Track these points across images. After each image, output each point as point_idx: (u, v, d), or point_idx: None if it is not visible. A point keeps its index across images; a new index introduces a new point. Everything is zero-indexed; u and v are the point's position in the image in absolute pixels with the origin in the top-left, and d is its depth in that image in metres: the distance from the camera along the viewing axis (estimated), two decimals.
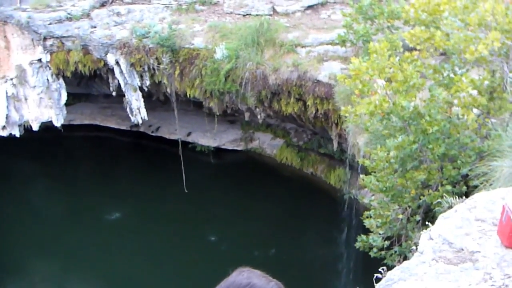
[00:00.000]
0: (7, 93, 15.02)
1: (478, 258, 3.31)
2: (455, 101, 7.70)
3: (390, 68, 7.58)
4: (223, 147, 19.13)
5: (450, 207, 4.43)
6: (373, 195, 11.49)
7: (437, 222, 3.90)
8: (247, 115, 16.48)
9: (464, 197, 7.35)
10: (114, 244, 15.65)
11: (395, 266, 8.28)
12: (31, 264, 15.03)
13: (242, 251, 15.23)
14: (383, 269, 3.43)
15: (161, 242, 15.60)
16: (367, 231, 8.42)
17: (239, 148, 19.16)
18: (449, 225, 3.75)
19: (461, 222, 3.74)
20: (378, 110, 7.40)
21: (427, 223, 8.13)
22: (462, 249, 3.42)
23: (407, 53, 7.92)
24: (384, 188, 7.68)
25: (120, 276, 14.54)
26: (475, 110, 7.63)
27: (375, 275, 3.39)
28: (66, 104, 15.99)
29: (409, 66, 7.49)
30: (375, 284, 3.23)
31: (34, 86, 14.98)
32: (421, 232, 3.98)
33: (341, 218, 14.54)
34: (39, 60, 14.76)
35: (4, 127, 15.49)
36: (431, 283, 2.88)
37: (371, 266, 8.82)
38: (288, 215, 16.34)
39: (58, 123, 15.68)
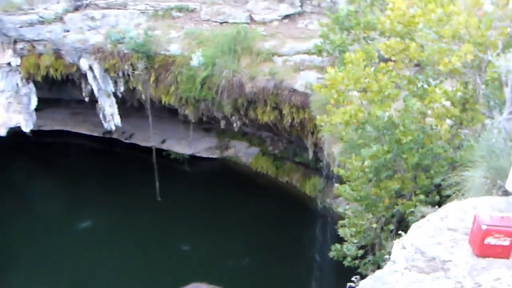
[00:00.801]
0: None
1: (450, 267, 3.30)
2: (429, 112, 7.78)
3: (366, 78, 7.63)
4: (198, 155, 18.96)
5: (423, 216, 4.43)
6: (347, 204, 11.54)
7: (409, 231, 3.89)
8: (222, 123, 16.40)
9: (437, 207, 7.41)
10: (84, 253, 15.24)
11: (368, 275, 8.30)
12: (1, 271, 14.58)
13: (215, 260, 15.04)
14: (356, 278, 3.38)
15: (133, 251, 15.28)
16: (341, 241, 8.40)
17: (214, 156, 19.02)
18: (422, 234, 3.73)
19: (433, 231, 3.74)
20: (353, 119, 7.42)
21: (400, 232, 8.17)
22: (434, 258, 3.40)
23: (382, 64, 7.98)
24: (359, 197, 7.69)
25: (90, 285, 14.17)
26: (448, 121, 7.71)
27: (348, 284, 3.34)
28: (36, 109, 15.63)
29: (384, 77, 7.54)
30: None
31: (3, 91, 14.58)
32: (394, 241, 3.95)
33: (316, 228, 14.52)
34: (9, 64, 14.40)
35: None
36: None
37: (344, 275, 8.82)
38: (263, 224, 16.23)
39: (27, 128, 15.30)
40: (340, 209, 14.88)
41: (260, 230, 16.05)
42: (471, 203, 4.12)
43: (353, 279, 3.37)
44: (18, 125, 15.29)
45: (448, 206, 4.13)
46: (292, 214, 16.44)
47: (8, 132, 15.35)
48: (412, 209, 6.53)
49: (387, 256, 7.87)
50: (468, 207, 4.03)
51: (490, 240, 3.31)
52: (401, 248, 3.65)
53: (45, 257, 15.02)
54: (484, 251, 3.34)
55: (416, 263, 3.34)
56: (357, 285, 3.17)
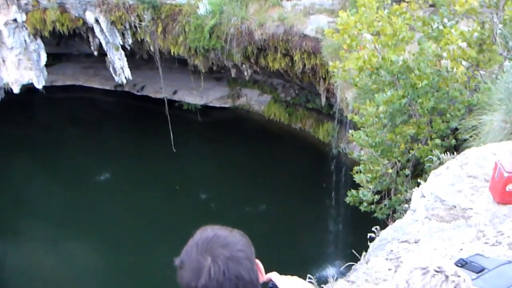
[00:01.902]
0: None
1: (471, 215, 3.33)
2: (444, 54, 7.61)
3: (379, 21, 7.43)
4: (210, 104, 18.93)
5: (441, 163, 4.42)
6: (361, 149, 11.57)
7: (428, 179, 3.90)
8: (233, 72, 16.25)
9: (454, 151, 7.40)
10: (104, 204, 15.65)
11: (385, 219, 8.43)
12: (20, 225, 15.02)
13: (232, 208, 15.35)
14: (376, 228, 3.43)
15: (151, 202, 15.63)
16: (356, 185, 8.48)
17: (226, 105, 18.99)
18: (441, 182, 3.75)
19: (453, 179, 3.74)
20: (367, 65, 7.30)
21: (416, 177, 8.22)
22: (455, 206, 3.43)
23: (395, 6, 7.74)
24: (374, 143, 7.68)
25: (110, 236, 14.60)
26: (464, 63, 7.55)
27: (369, 234, 3.40)
28: (47, 65, 15.58)
29: (398, 19, 7.33)
30: (369, 243, 3.24)
31: (12, 48, 14.51)
32: (413, 189, 3.98)
33: (331, 173, 14.63)
34: (15, 20, 14.23)
35: None
36: (425, 243, 2.88)
37: (360, 219, 8.98)
38: (278, 171, 16.41)
39: (39, 85, 15.32)
40: (354, 154, 15.02)
41: (275, 177, 16.25)
42: (490, 148, 4.10)
43: (373, 229, 3.42)
44: (30, 82, 15.31)
45: (467, 153, 4.11)
46: (306, 160, 16.57)
47: (21, 89, 15.42)
48: (430, 156, 6.52)
49: (406, 205, 7.98)
50: (488, 153, 4.02)
51: None
52: (420, 197, 3.68)
53: (68, 208, 15.43)
54: (505, 198, 3.35)
55: (436, 212, 3.37)
56: (378, 235, 3.23)
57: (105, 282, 13.34)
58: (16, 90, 15.23)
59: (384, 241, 3.06)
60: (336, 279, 3.26)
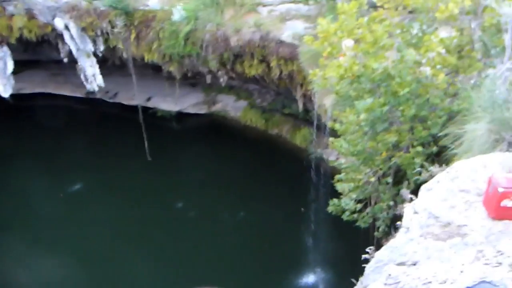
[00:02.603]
0: None
1: (466, 232, 3.22)
2: (423, 61, 7.59)
3: (359, 28, 7.36)
4: (185, 111, 18.66)
5: (431, 175, 4.33)
6: (338, 154, 11.45)
7: (420, 194, 3.79)
8: (208, 78, 16.03)
9: (435, 159, 7.37)
10: (76, 216, 15.16)
11: (367, 227, 8.35)
12: None
13: (210, 216, 15.13)
14: (370, 248, 3.29)
15: (126, 212, 15.25)
16: (334, 190, 8.38)
17: (202, 112, 18.74)
18: (434, 197, 3.64)
19: (445, 194, 3.64)
20: (348, 73, 7.21)
21: (398, 185, 8.16)
22: (449, 223, 3.31)
23: (374, 12, 7.69)
24: (355, 152, 7.60)
25: (83, 248, 14.16)
26: (443, 69, 7.54)
27: (363, 256, 3.26)
28: (14, 72, 15.09)
29: (378, 26, 7.27)
30: (364, 265, 3.09)
31: None
32: (403, 204, 3.86)
33: (308, 178, 14.54)
34: None
35: None
36: (423, 266, 2.75)
37: (338, 224, 8.87)
38: (255, 177, 16.26)
39: (6, 93, 14.83)
40: (331, 158, 14.96)
41: (253, 183, 16.10)
42: (480, 160, 4.02)
43: (367, 250, 3.28)
44: None
45: (456, 165, 4.02)
46: (284, 166, 16.45)
47: None
48: (418, 169, 6.45)
49: (385, 208, 7.92)
50: (478, 166, 3.93)
51: (507, 203, 3.24)
52: (413, 213, 3.56)
53: (37, 222, 14.92)
54: (500, 214, 3.27)
55: (431, 230, 3.25)
56: (372, 257, 3.09)
57: None
58: None
59: (380, 263, 2.92)
60: None
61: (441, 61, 7.19)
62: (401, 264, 2.83)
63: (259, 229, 14.30)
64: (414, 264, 2.79)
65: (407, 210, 3.66)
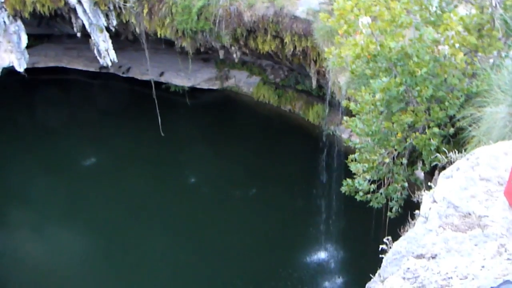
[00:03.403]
0: None
1: (487, 223, 3.16)
2: (442, 40, 7.40)
3: (376, 5, 7.17)
4: (198, 86, 18.58)
5: (449, 162, 4.25)
6: (351, 131, 11.35)
7: (438, 181, 3.72)
8: (221, 53, 15.87)
9: (451, 140, 7.26)
10: (92, 189, 15.38)
11: (380, 208, 8.31)
12: (7, 211, 14.72)
13: (222, 191, 15.21)
14: (387, 238, 3.26)
15: (140, 186, 15.40)
16: (347, 167, 8.33)
17: (214, 87, 18.66)
18: (453, 186, 3.57)
19: (466, 183, 3.56)
20: (365, 52, 7.05)
21: (412, 166, 8.08)
22: (469, 214, 3.26)
23: None
24: (370, 132, 7.50)
25: (99, 221, 14.38)
26: (462, 49, 7.35)
27: (380, 246, 3.22)
28: (28, 46, 15.05)
29: (396, 4, 7.08)
30: (381, 256, 3.07)
31: None
32: (422, 191, 3.80)
33: (321, 155, 14.51)
34: None
35: None
36: (443, 259, 2.71)
37: (350, 201, 8.84)
38: (268, 153, 16.25)
39: (20, 68, 14.81)
40: (344, 136, 14.85)
41: (265, 160, 16.10)
42: (501, 147, 3.93)
43: (384, 240, 3.25)
44: (11, 65, 14.80)
45: (477, 152, 3.93)
46: (296, 142, 16.42)
47: (2, 72, 14.92)
48: (432, 149, 6.35)
49: (399, 189, 7.86)
50: (499, 153, 3.84)
51: None
52: (432, 202, 3.50)
53: (54, 194, 15.14)
54: None
55: (450, 220, 3.20)
56: (390, 247, 3.06)
57: (92, 267, 13.18)
58: None
59: (398, 255, 2.89)
60: None
61: (460, 40, 7.00)
62: (420, 256, 2.80)
63: (271, 206, 14.35)
64: (434, 257, 2.76)
65: (425, 198, 3.61)
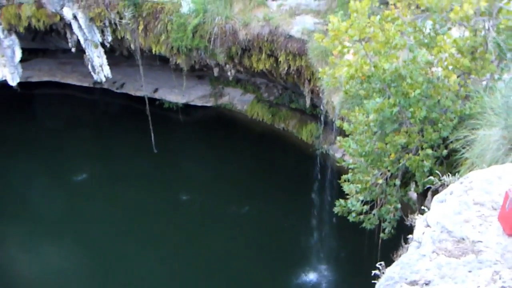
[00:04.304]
0: None
1: (481, 249, 3.12)
2: (435, 61, 7.44)
3: (371, 27, 7.21)
4: (192, 103, 18.58)
5: (443, 184, 4.23)
6: (344, 151, 11.32)
7: (432, 206, 3.68)
8: (216, 71, 15.90)
9: (444, 161, 7.25)
10: (84, 205, 15.23)
11: (372, 229, 8.25)
12: None
13: (215, 209, 15.09)
14: (380, 264, 3.20)
15: (132, 202, 15.28)
16: (339, 185, 8.29)
17: (208, 104, 18.66)
18: (446, 210, 3.53)
19: (459, 207, 3.53)
20: (359, 73, 7.07)
21: (405, 188, 8.06)
22: (463, 239, 3.21)
23: (387, 11, 7.54)
24: (363, 153, 7.48)
25: (90, 236, 14.21)
26: (455, 71, 7.39)
27: (373, 272, 3.17)
28: (22, 60, 15.04)
29: (390, 26, 7.12)
30: (374, 281, 3.01)
31: None
32: (414, 215, 3.76)
33: (314, 174, 14.48)
34: None
35: None
36: (437, 286, 2.66)
37: (343, 223, 8.78)
38: (261, 171, 16.20)
39: (13, 82, 14.78)
40: (338, 156, 14.83)
41: (258, 177, 16.05)
42: (495, 171, 3.90)
43: (377, 265, 3.19)
44: (4, 78, 14.76)
45: (471, 176, 3.91)
46: (290, 161, 16.40)
47: None
48: (425, 171, 6.32)
49: (392, 210, 7.82)
50: (493, 177, 3.82)
51: None
52: (425, 226, 3.46)
53: (45, 209, 14.97)
54: None
55: (444, 245, 3.15)
56: (383, 273, 3.00)
57: (82, 282, 12.97)
58: None
59: (391, 280, 2.83)
60: None
61: (454, 62, 7.03)
62: (413, 283, 2.74)
63: (263, 225, 14.25)
64: (427, 284, 2.70)
65: (419, 222, 3.56)
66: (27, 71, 17.02)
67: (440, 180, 4.28)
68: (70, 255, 13.56)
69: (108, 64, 15.15)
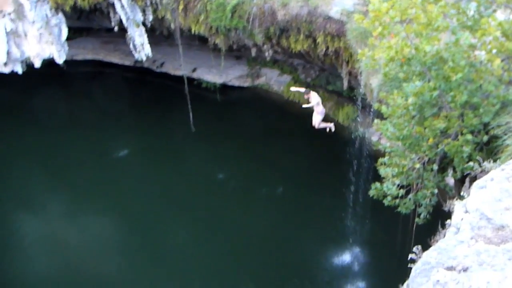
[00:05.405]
0: (6, 28, 14.44)
1: None
2: (479, 45, 7.26)
3: (412, 8, 7.08)
4: (229, 83, 18.70)
5: (483, 170, 4.19)
6: (381, 134, 11.24)
7: (472, 192, 3.67)
8: (253, 51, 15.93)
9: (484, 147, 7.12)
10: (122, 181, 15.71)
11: (407, 213, 8.22)
12: (42, 200, 15.15)
13: (249, 189, 15.29)
14: (417, 248, 3.24)
15: (168, 179, 15.65)
16: (376, 169, 8.26)
17: (245, 85, 18.73)
18: (487, 197, 3.52)
19: (500, 194, 3.51)
20: (399, 55, 6.98)
21: (443, 173, 7.96)
22: (503, 227, 3.21)
23: None
24: (401, 136, 7.42)
25: (127, 211, 14.69)
26: (499, 55, 7.20)
27: (409, 255, 3.21)
28: (67, 39, 15.46)
29: (433, 7, 6.98)
30: (409, 265, 3.06)
31: (33, 21, 14.37)
32: (454, 200, 3.76)
33: (350, 157, 14.42)
34: None
35: (5, 64, 15.06)
36: (475, 273, 2.69)
37: (378, 206, 8.78)
38: (296, 153, 16.24)
39: (60, 60, 15.20)
40: (374, 139, 14.70)
41: (293, 159, 16.11)
42: None
43: (414, 249, 3.23)
44: (51, 56, 15.20)
45: None
46: (325, 143, 16.31)
47: (42, 63, 15.34)
48: (464, 157, 6.24)
49: (429, 195, 7.76)
50: None
51: None
52: (464, 212, 3.47)
53: (88, 183, 15.50)
54: None
55: (483, 232, 3.17)
56: (419, 257, 3.04)
57: (121, 254, 13.46)
58: (37, 64, 15.16)
59: (427, 265, 2.87)
60: None
61: (498, 45, 6.85)
62: (451, 268, 2.78)
63: (296, 206, 14.35)
64: (465, 270, 2.73)
65: (458, 208, 3.57)
66: (72, 49, 17.46)
67: (480, 166, 4.24)
68: (109, 225, 14.07)
69: (149, 43, 15.39)
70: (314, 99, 11.44)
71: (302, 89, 11.78)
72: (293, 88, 12.06)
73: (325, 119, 14.76)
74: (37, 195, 15.11)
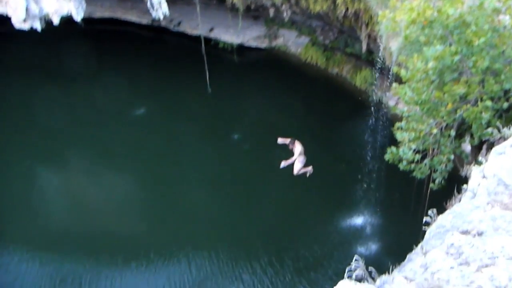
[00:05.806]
0: None
1: None
2: (503, 9, 7.08)
3: None
4: (246, 44, 18.51)
5: (502, 137, 4.17)
6: (398, 98, 11.16)
7: (490, 158, 3.67)
8: (271, 11, 15.72)
9: (504, 114, 7.05)
10: (139, 139, 15.89)
11: (422, 178, 8.24)
12: (63, 155, 15.44)
13: (265, 150, 15.32)
14: (432, 211, 3.28)
15: (186, 139, 15.78)
16: (392, 136, 8.25)
17: (263, 46, 18.54)
18: (505, 163, 3.52)
19: None
20: (421, 18, 6.85)
21: (460, 139, 7.92)
22: None
23: None
24: (419, 101, 7.36)
25: (145, 168, 14.92)
26: None
27: (424, 219, 3.25)
28: None
29: None
30: (424, 228, 3.10)
31: None
32: (471, 165, 3.77)
33: (366, 120, 14.35)
34: None
35: (25, 20, 15.02)
36: (490, 237, 2.73)
37: (394, 171, 8.78)
38: (312, 115, 16.21)
39: (78, 17, 15.07)
40: (391, 103, 14.56)
41: (309, 121, 16.08)
42: None
43: (429, 213, 3.27)
44: (69, 13, 15.10)
45: None
46: (342, 106, 16.27)
47: (61, 21, 15.29)
48: (490, 128, 6.18)
49: (445, 161, 7.76)
50: None
51: None
52: (481, 178, 3.48)
53: (107, 140, 15.73)
54: None
55: (499, 198, 3.19)
56: (434, 220, 3.09)
57: (138, 209, 13.76)
58: (56, 21, 15.07)
59: (442, 228, 2.92)
60: (391, 270, 3.14)
61: None
62: (465, 232, 2.82)
63: (314, 170, 14.36)
64: (480, 235, 2.77)
65: (475, 173, 3.59)
66: (90, 6, 17.30)
67: (500, 132, 4.21)
68: (127, 182, 14.33)
69: (166, 2, 15.19)
70: (297, 150, 11.40)
71: (287, 140, 11.60)
72: (279, 140, 11.82)
73: (343, 82, 14.65)
74: (56, 151, 15.39)
